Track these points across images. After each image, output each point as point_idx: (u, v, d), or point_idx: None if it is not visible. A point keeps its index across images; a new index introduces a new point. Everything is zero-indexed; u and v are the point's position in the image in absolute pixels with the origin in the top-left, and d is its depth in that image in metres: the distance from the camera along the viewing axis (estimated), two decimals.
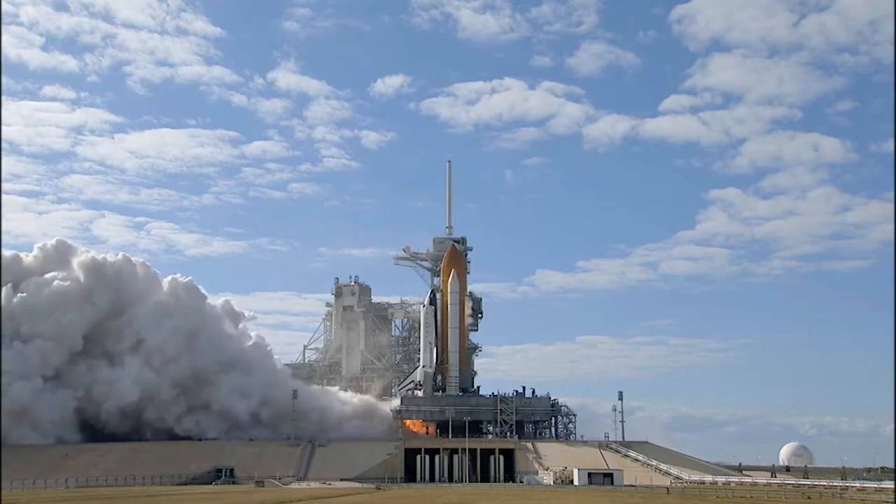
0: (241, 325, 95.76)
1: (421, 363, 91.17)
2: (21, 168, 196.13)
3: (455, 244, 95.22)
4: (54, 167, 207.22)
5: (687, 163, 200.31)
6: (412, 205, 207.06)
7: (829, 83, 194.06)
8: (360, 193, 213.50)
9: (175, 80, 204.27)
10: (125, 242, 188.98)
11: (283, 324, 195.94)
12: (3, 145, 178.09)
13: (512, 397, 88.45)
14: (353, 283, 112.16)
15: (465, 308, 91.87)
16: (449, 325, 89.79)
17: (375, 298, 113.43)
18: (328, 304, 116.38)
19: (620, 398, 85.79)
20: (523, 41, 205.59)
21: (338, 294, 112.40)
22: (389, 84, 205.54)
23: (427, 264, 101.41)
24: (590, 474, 68.75)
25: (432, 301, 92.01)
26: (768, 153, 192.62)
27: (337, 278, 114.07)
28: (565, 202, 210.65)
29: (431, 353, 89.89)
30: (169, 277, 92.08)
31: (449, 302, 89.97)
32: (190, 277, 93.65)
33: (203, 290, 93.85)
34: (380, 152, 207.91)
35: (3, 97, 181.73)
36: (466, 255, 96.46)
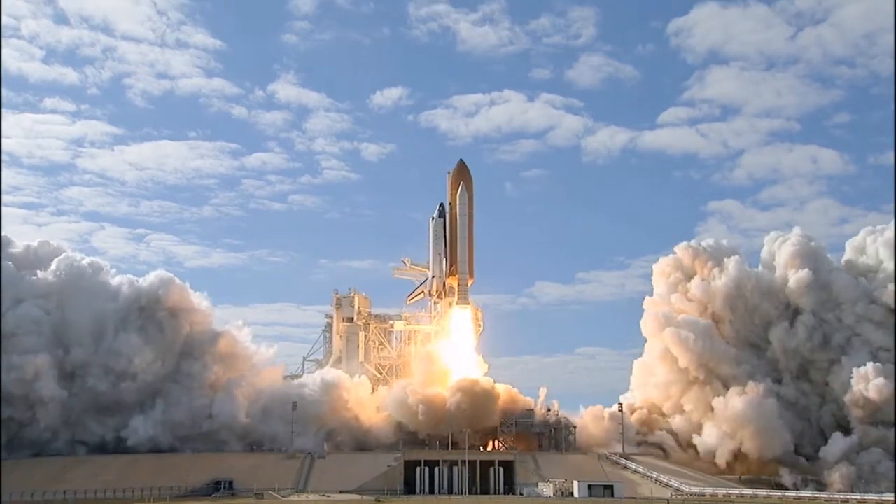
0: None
1: (430, 274, 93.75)
2: (21, 180, 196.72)
3: (463, 160, 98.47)
4: (54, 179, 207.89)
5: (685, 174, 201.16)
6: (412, 216, 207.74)
7: (827, 95, 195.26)
8: (360, 205, 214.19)
9: (175, 92, 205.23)
10: (124, 255, 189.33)
11: (282, 335, 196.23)
12: (4, 157, 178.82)
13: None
14: (352, 294, 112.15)
15: (473, 219, 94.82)
16: (458, 237, 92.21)
17: (375, 310, 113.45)
18: (328, 316, 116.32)
19: (620, 409, 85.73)
20: (522, 53, 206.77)
21: (337, 305, 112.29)
22: (388, 96, 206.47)
23: (427, 275, 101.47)
24: (590, 486, 68.66)
25: (441, 214, 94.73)
26: (766, 165, 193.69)
27: (336, 290, 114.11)
28: (565, 214, 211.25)
29: (441, 265, 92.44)
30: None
31: (458, 213, 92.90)
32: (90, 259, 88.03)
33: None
34: (379, 164, 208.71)
35: (4, 110, 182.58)
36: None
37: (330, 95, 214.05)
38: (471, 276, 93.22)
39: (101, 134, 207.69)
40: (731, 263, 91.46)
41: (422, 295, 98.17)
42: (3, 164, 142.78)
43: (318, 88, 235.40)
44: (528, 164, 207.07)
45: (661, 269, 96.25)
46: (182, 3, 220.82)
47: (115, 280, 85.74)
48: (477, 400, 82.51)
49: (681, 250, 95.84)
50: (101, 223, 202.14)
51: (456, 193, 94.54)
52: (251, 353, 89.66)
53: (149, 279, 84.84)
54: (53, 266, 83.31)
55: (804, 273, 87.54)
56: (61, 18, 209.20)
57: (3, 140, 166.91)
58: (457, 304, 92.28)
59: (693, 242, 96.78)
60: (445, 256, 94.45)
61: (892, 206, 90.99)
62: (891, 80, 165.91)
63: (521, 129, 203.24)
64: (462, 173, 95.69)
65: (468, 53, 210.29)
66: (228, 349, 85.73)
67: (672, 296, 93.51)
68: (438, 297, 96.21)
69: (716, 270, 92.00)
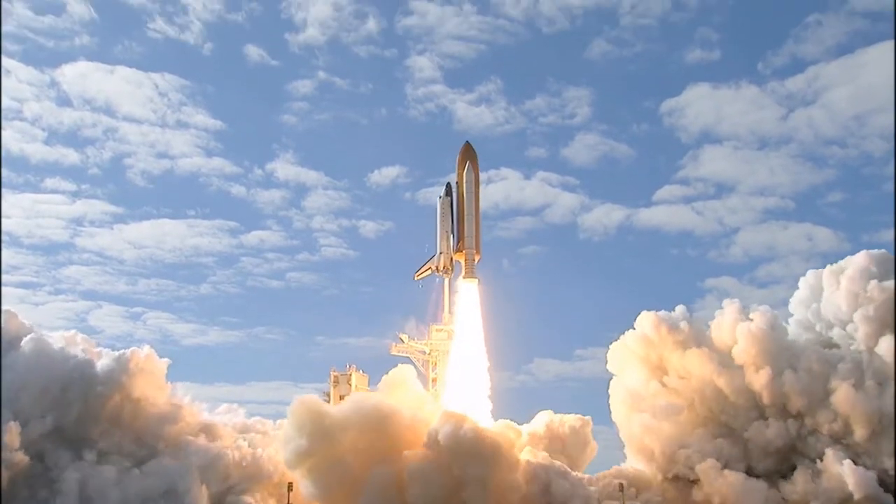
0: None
1: (438, 250, 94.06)
2: (20, 260, 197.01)
3: (469, 142, 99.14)
4: (53, 258, 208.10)
5: (682, 252, 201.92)
6: (410, 293, 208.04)
7: (820, 175, 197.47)
8: (358, 282, 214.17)
9: (175, 171, 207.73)
10: (121, 333, 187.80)
11: (279, 413, 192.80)
12: (4, 238, 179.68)
13: None
14: (349, 371, 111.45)
15: (479, 197, 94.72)
16: (465, 213, 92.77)
17: (373, 387, 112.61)
18: (325, 394, 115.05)
19: (622, 489, 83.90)
20: (518, 133, 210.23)
21: (335, 383, 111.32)
22: (386, 174, 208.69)
23: (425, 352, 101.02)
24: None
25: (448, 193, 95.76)
26: (762, 243, 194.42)
27: (334, 367, 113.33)
28: (562, 290, 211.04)
29: (448, 241, 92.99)
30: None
31: (465, 191, 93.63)
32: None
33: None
34: (377, 241, 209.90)
35: (4, 190, 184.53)
36: None
37: (328, 174, 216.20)
38: (477, 251, 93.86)
39: (100, 213, 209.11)
40: (695, 358, 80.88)
41: (429, 271, 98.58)
42: (3, 245, 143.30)
43: (316, 167, 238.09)
44: (526, 241, 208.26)
45: (625, 346, 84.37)
46: (183, 84, 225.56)
47: (79, 355, 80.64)
48: (479, 468, 54.18)
49: (643, 322, 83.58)
50: (98, 302, 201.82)
51: (463, 172, 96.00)
52: (229, 432, 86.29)
53: (122, 361, 79.08)
54: (20, 354, 78.54)
55: (763, 374, 78.34)
56: (64, 101, 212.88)
57: (4, 220, 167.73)
58: (463, 277, 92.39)
59: (661, 313, 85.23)
60: (452, 233, 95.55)
61: (892, 282, 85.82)
62: (882, 161, 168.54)
63: (518, 207, 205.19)
64: (468, 153, 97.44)
65: (465, 133, 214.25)
66: (197, 433, 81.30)
67: (651, 382, 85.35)
68: (445, 272, 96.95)
69: (682, 358, 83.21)
